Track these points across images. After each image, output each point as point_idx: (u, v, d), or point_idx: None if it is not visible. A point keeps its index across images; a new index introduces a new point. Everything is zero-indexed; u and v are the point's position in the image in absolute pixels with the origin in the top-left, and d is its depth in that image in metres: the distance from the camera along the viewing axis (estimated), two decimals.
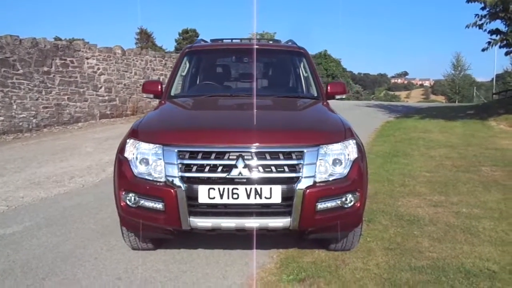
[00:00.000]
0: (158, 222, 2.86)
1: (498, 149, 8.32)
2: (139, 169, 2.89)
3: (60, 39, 13.95)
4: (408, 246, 3.59)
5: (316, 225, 2.88)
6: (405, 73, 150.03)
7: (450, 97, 52.59)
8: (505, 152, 7.96)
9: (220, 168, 2.77)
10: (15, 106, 9.95)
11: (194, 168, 2.78)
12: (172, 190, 2.74)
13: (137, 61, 14.44)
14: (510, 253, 3.46)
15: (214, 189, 2.72)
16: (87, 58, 12.24)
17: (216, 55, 4.62)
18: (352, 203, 2.91)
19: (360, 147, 3.13)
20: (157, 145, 2.86)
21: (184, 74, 4.39)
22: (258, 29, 41.22)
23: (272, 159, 2.79)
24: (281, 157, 2.80)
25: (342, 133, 3.04)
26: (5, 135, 9.65)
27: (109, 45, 13.49)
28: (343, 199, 2.88)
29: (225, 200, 2.73)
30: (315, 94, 4.13)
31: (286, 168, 2.79)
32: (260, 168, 2.77)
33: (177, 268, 3.18)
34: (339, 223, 2.94)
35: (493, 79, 44.46)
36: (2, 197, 5.22)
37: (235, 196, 2.73)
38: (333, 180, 2.87)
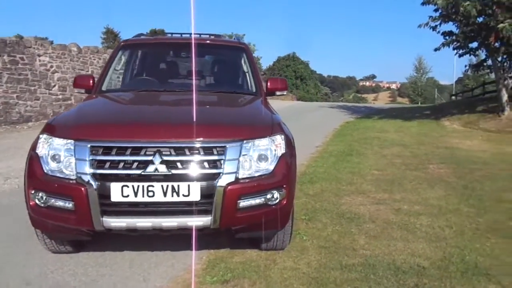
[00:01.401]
0: (69, 222, 2.66)
1: (448, 147, 8.53)
2: (50, 166, 2.69)
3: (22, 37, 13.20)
4: (343, 244, 3.53)
5: (239, 224, 2.76)
6: (373, 76, 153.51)
7: (413, 99, 54.09)
8: (454, 151, 8.15)
9: (135, 165, 2.61)
10: None
11: (107, 164, 2.61)
12: (82, 188, 2.55)
13: (94, 59, 13.97)
14: (442, 249, 3.47)
15: (128, 186, 2.55)
16: (39, 55, 11.71)
17: (152, 49, 4.44)
18: (277, 200, 2.81)
19: (289, 143, 3.04)
20: (70, 140, 2.67)
21: (118, 68, 4.19)
22: (227, 30, 41.07)
23: (191, 154, 2.65)
24: (202, 152, 2.67)
25: (269, 127, 2.94)
26: None
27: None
28: (268, 196, 2.77)
29: (139, 198, 2.57)
30: (254, 90, 4.02)
31: (206, 164, 2.66)
32: (179, 164, 2.63)
33: (96, 271, 2.98)
34: (264, 221, 2.83)
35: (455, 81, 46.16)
36: None
37: (150, 193, 2.57)
38: (257, 176, 2.76)
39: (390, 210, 4.47)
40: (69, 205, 2.60)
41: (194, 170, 2.63)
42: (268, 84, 4.10)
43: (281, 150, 2.91)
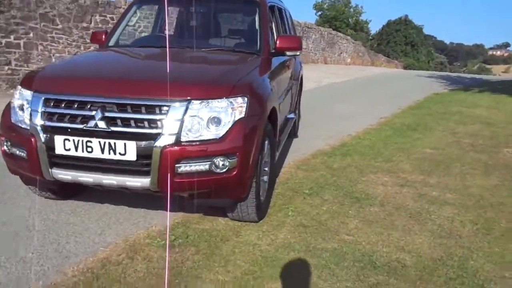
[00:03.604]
0: (25, 171, 2.78)
1: None
2: (17, 116, 2.81)
3: None
4: (329, 226, 3.15)
5: (180, 189, 2.58)
6: (507, 45, 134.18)
7: None
8: None
9: (79, 119, 2.57)
10: (53, 60, 10.55)
11: (55, 117, 2.62)
12: (32, 139, 2.62)
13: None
14: (445, 249, 2.88)
15: (69, 140, 2.55)
16: None
17: (164, 5, 4.30)
18: (226, 168, 2.56)
19: (256, 106, 2.73)
20: (31, 91, 2.74)
21: (132, 24, 4.18)
22: None
23: (133, 112, 2.52)
24: (143, 110, 2.52)
25: (228, 88, 2.64)
26: None
27: None
28: (214, 163, 2.54)
29: (79, 153, 2.55)
30: (257, 49, 3.68)
31: (146, 123, 2.51)
32: (119, 122, 2.52)
33: (66, 219, 3.10)
34: (212, 190, 2.62)
35: None
36: None
37: (89, 149, 2.53)
38: (204, 140, 2.53)
39: (412, 194, 3.85)
40: (23, 154, 2.70)
41: (132, 128, 2.51)
42: (277, 42, 3.72)
43: (241, 114, 2.62)
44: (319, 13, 44.73)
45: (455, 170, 4.63)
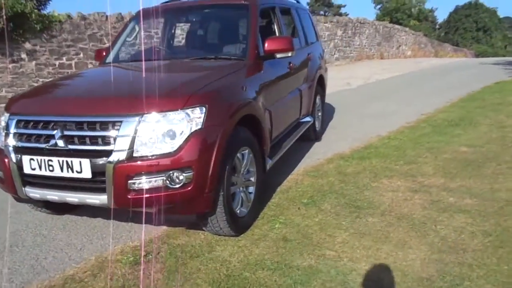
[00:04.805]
0: (5, 189, 2.91)
1: None
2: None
3: None
4: (314, 240, 2.90)
5: (136, 205, 2.51)
6: None
7: None
8: None
9: (42, 138, 2.64)
10: None
11: (24, 137, 2.71)
12: (6, 160, 2.73)
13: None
14: (442, 264, 2.51)
15: (34, 159, 2.62)
16: None
17: (158, 17, 4.32)
18: (181, 183, 2.46)
19: (216, 116, 2.60)
20: (8, 114, 2.87)
21: (130, 39, 4.26)
22: None
23: (89, 129, 2.52)
24: (98, 127, 2.51)
25: (183, 99, 2.53)
26: None
27: None
28: (169, 177, 2.45)
29: (43, 172, 2.60)
30: (241, 54, 3.53)
31: (100, 140, 2.49)
32: (76, 140, 2.54)
33: (54, 235, 3.19)
34: (172, 205, 2.53)
35: None
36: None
37: (50, 168, 2.57)
38: (157, 155, 2.45)
39: (423, 201, 3.44)
40: (1, 174, 2.83)
41: (86, 146, 2.51)
42: (266, 45, 3.54)
43: (197, 125, 2.51)
44: (379, 6, 43.05)
45: (486, 171, 4.07)
